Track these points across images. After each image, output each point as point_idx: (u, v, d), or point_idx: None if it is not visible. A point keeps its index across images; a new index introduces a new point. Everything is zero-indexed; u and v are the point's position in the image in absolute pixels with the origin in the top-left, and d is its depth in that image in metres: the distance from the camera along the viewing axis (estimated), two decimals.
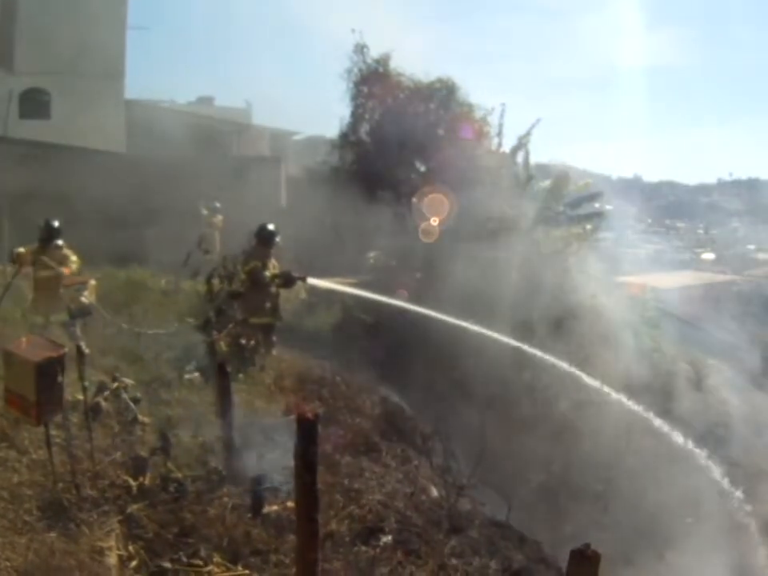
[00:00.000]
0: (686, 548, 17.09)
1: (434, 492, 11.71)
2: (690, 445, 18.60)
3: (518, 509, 13.07)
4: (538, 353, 16.86)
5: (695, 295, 35.98)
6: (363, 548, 8.89)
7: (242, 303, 14.55)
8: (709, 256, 68.66)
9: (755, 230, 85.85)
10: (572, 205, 24.64)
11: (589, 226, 24.48)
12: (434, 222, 21.84)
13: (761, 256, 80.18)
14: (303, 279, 15.06)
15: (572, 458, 17.23)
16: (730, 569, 17.53)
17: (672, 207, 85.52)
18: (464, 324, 15.84)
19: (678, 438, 18.22)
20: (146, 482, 9.54)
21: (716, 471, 19.34)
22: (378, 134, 24.64)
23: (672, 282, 40.59)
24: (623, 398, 17.43)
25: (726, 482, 20.03)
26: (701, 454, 18.74)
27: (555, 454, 17.06)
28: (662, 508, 17.31)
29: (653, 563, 16.22)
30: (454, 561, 9.25)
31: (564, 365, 16.95)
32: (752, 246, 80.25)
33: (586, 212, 24.90)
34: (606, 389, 17.16)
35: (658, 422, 17.76)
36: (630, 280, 32.20)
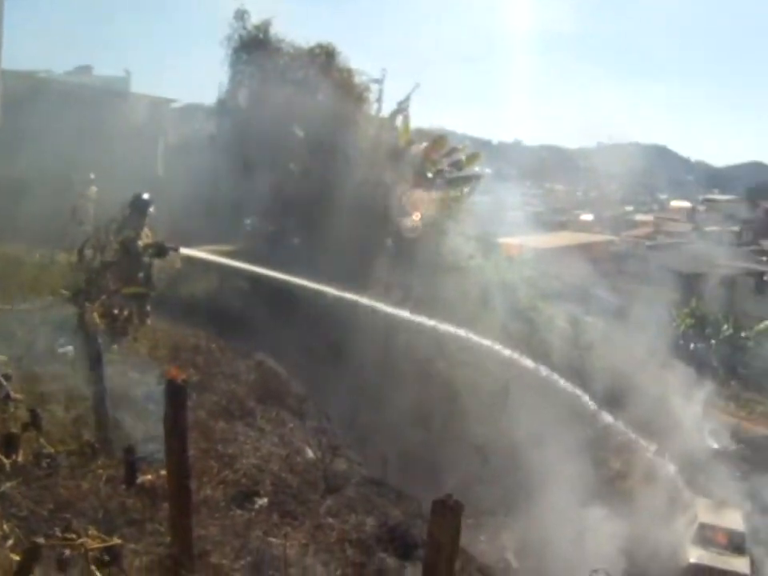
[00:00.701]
0: (563, 499, 17.69)
1: (309, 453, 11.80)
2: (570, 398, 19.26)
3: (397, 467, 13.30)
4: (414, 316, 17.12)
5: (573, 255, 36.77)
6: (239, 512, 8.93)
7: (115, 274, 14.28)
8: (587, 217, 70.49)
9: (633, 192, 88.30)
10: (449, 168, 24.89)
11: (466, 189, 24.84)
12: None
13: (639, 217, 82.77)
14: (176, 249, 14.90)
15: (452, 414, 17.53)
16: (604, 516, 18.24)
17: (552, 170, 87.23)
18: (338, 291, 16.01)
19: (556, 392, 18.83)
20: (19, 459, 9.35)
21: (593, 424, 20.06)
22: (256, 100, 24.42)
23: (550, 242, 41.46)
24: (502, 353, 17.86)
25: (603, 434, 20.79)
26: (580, 407, 19.42)
27: (435, 411, 17.32)
28: (541, 460, 17.83)
29: (531, 513, 16.71)
30: (330, 520, 9.39)
31: (442, 325, 17.26)
32: (630, 208, 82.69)
33: (464, 175, 25.19)
34: (483, 345, 17.53)
35: (537, 377, 18.30)
36: (509, 241, 32.82)
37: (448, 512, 5.23)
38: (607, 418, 20.85)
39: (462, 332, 17.40)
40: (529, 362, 18.31)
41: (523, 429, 17.78)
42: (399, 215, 22.02)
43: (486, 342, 17.71)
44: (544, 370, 18.57)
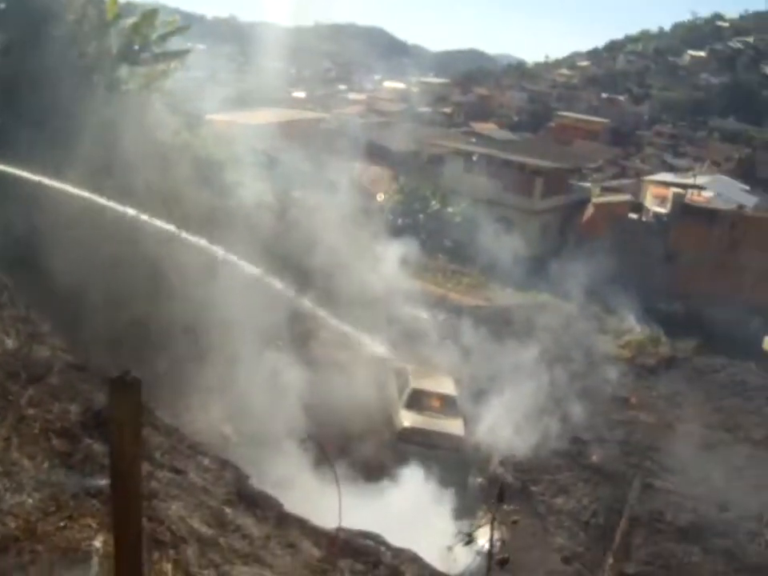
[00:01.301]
0: (275, 372, 18.26)
1: (9, 344, 11.30)
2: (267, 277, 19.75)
3: (104, 351, 13.09)
4: (106, 200, 16.89)
5: (283, 131, 36.85)
6: None
7: None
8: (299, 95, 70.93)
9: (347, 72, 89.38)
10: (157, 42, 24.14)
11: (173, 64, 24.24)
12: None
13: (352, 96, 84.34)
14: None
15: (159, 295, 17.38)
16: (316, 385, 19.01)
17: (267, 47, 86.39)
18: (34, 174, 15.47)
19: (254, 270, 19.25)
20: None
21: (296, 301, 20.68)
22: None
23: (260, 118, 41.29)
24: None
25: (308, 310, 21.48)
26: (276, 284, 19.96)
27: (141, 293, 17.07)
28: (250, 337, 18.20)
29: (245, 388, 17.10)
30: (32, 411, 9.07)
31: (142, 215, 17.17)
32: (344, 87, 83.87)
33: (172, 50, 24.55)
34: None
35: (233, 259, 18.59)
36: (218, 117, 32.41)
37: (126, 389, 5.16)
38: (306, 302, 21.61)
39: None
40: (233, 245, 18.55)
41: (232, 308, 17.99)
42: (103, 90, 21.22)
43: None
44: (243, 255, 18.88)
